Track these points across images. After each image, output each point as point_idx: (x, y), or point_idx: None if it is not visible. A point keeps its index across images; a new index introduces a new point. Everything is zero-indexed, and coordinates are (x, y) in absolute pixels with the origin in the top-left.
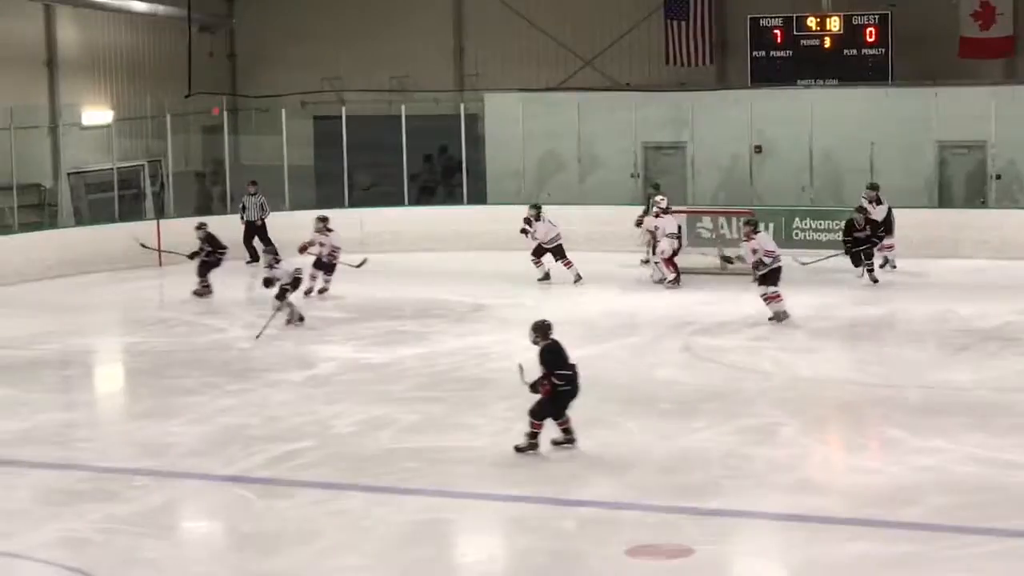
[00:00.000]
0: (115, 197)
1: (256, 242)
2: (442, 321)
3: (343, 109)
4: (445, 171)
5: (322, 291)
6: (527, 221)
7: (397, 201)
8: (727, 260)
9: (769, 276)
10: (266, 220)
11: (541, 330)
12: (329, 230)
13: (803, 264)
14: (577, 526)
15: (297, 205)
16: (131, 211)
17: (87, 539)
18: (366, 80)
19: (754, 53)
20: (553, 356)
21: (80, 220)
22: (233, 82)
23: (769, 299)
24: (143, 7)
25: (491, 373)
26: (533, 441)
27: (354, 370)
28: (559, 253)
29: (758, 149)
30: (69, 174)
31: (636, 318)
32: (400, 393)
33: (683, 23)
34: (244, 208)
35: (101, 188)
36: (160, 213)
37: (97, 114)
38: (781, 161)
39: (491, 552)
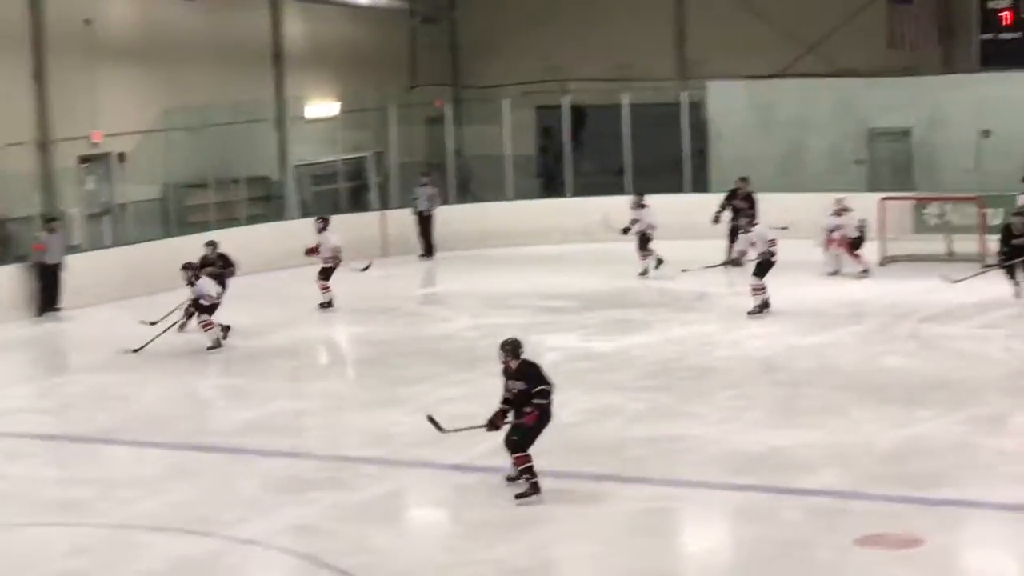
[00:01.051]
0: (340, 189)
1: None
2: (667, 309)
3: (565, 99)
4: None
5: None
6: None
7: (619, 190)
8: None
9: (761, 267)
10: (434, 212)
11: (513, 349)
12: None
13: (955, 282)
14: (804, 515)
15: (520, 195)
16: (356, 203)
17: (317, 527)
18: (588, 69)
19: (982, 36)
20: (538, 369)
21: (306, 212)
22: (455, 73)
23: (755, 291)
24: (366, 0)
25: (717, 362)
26: (534, 480)
27: (580, 359)
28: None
29: (986, 134)
30: (295, 166)
31: (863, 306)
32: (626, 382)
33: (908, 6)
34: (416, 199)
35: (326, 180)
36: (384, 204)
37: (322, 107)
38: (1010, 146)
39: (718, 541)
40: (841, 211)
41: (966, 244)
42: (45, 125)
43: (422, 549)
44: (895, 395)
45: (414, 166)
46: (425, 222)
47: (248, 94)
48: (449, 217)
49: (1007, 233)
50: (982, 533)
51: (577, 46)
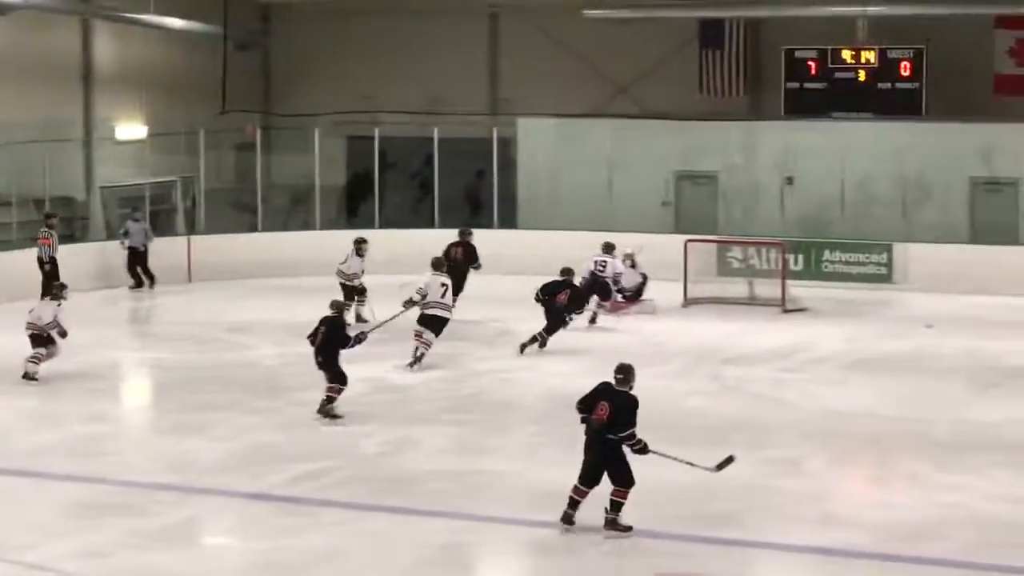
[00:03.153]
0: (147, 212)
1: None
2: (471, 344)
3: (376, 130)
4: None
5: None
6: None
7: (427, 223)
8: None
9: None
10: (149, 247)
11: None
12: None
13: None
14: (600, 553)
15: (328, 225)
16: (163, 227)
17: (107, 553)
18: (401, 101)
19: (788, 84)
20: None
21: (112, 234)
22: (267, 100)
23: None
24: (180, 24)
25: (514, 398)
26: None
27: (381, 391)
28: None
29: (789, 180)
30: (102, 188)
31: (666, 347)
32: (429, 415)
33: (718, 52)
34: (127, 234)
35: (133, 203)
36: (191, 229)
37: (131, 129)
38: (812, 193)
39: (514, 575)
40: (632, 263)
41: (768, 288)
42: None
43: None
44: (695, 436)
45: (223, 192)
46: (140, 257)
47: (55, 113)
48: (256, 246)
49: None
50: (776, 574)
51: (391, 78)
